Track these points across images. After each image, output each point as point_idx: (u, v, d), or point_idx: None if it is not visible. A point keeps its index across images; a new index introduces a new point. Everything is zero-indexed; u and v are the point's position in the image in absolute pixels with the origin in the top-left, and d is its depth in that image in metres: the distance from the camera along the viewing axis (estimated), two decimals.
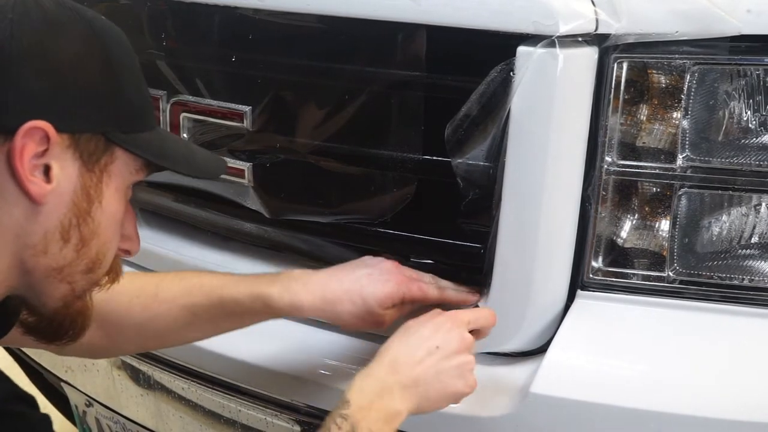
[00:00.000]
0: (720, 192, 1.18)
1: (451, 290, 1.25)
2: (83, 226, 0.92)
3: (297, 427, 1.36)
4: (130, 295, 1.23)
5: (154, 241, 1.56)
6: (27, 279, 0.92)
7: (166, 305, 1.23)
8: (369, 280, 1.20)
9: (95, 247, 0.94)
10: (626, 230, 1.22)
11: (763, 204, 1.18)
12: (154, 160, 0.97)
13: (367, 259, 1.25)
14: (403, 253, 1.30)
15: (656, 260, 1.22)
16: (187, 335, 1.28)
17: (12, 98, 0.85)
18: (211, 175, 1.10)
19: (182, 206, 1.56)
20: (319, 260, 1.41)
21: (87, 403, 1.76)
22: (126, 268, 1.10)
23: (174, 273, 1.30)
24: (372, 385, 1.06)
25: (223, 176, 1.38)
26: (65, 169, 0.89)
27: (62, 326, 0.99)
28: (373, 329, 1.23)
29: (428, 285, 1.24)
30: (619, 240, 1.23)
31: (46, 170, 0.88)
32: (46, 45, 0.87)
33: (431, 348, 1.09)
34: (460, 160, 1.17)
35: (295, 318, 1.36)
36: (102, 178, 0.93)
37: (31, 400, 0.94)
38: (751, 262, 1.21)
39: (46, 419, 0.94)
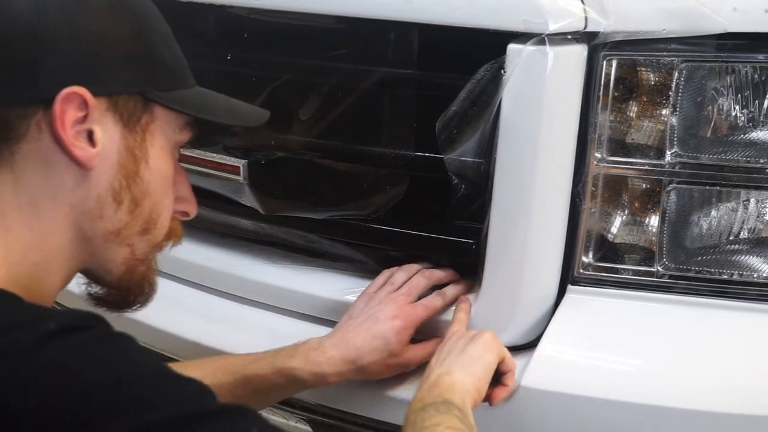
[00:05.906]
0: (708, 188, 1.20)
1: (449, 289, 1.27)
2: (133, 186, 0.94)
3: (307, 427, 1.37)
4: None
5: None
6: (89, 248, 0.95)
7: None
8: (376, 322, 1.20)
9: (148, 207, 0.97)
10: (616, 226, 1.24)
11: (752, 199, 1.19)
12: (194, 114, 0.99)
13: (363, 309, 1.24)
14: (395, 249, 1.32)
15: (646, 255, 1.23)
16: None
17: (46, 68, 0.87)
18: (254, 122, 1.10)
19: None
20: (314, 256, 1.43)
21: None
22: None
23: (197, 360, 1.28)
24: (419, 393, 1.06)
25: (218, 173, 1.39)
26: (108, 132, 0.91)
27: (129, 292, 1.01)
28: (401, 371, 1.23)
29: (430, 300, 1.25)
30: (609, 235, 1.24)
31: (90, 136, 0.90)
32: (73, 13, 0.90)
33: (452, 348, 1.13)
34: (451, 157, 1.18)
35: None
36: (145, 138, 0.95)
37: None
38: (739, 256, 1.22)
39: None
